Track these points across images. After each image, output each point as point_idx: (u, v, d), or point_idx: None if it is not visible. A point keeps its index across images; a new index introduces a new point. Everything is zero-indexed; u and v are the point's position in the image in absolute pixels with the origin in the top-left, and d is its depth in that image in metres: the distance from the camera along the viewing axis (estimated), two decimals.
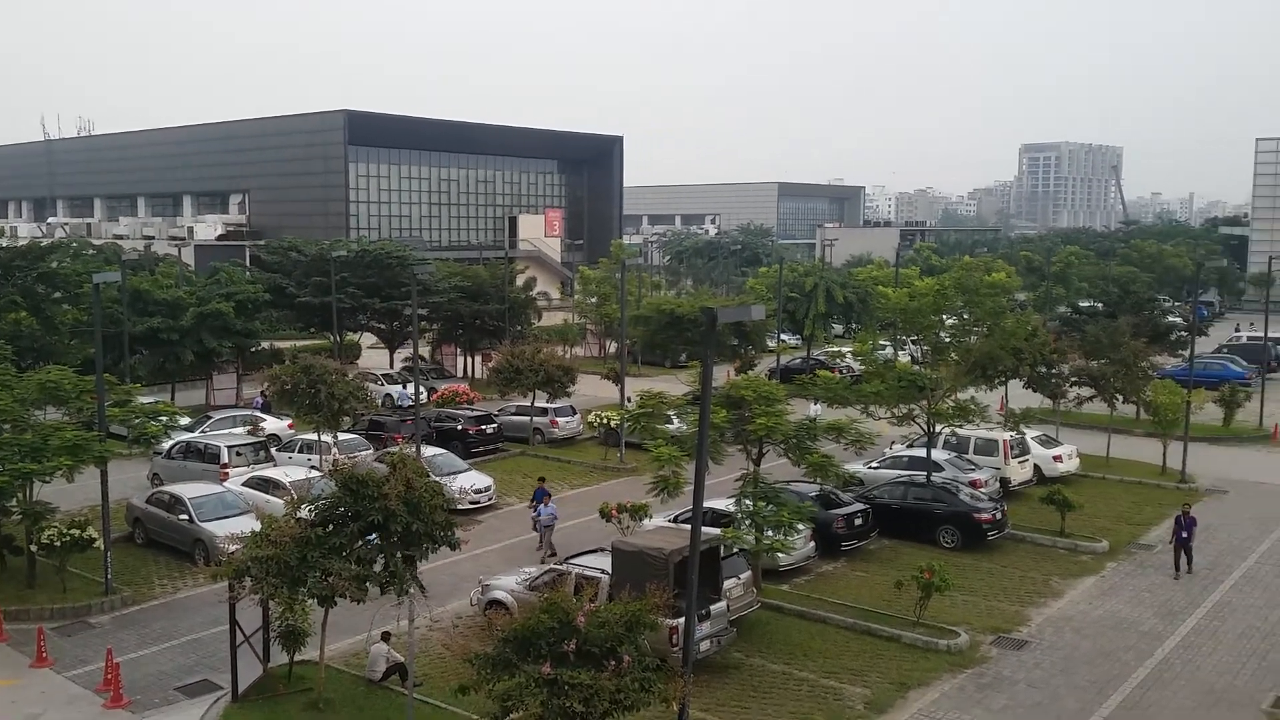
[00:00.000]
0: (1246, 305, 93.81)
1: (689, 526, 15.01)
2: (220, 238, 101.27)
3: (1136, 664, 20.03)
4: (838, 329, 62.05)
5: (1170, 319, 55.12)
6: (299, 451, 34.36)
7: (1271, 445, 40.34)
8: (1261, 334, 53.14)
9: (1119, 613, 22.73)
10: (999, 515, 27.54)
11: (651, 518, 25.90)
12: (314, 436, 33.72)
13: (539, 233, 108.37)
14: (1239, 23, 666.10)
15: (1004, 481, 31.86)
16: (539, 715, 13.06)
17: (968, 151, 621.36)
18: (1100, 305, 57.21)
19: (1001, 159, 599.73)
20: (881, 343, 39.46)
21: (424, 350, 56.42)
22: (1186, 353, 39.53)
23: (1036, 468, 33.45)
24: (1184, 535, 24.90)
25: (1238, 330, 67.90)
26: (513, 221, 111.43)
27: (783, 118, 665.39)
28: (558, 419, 40.70)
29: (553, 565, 21.22)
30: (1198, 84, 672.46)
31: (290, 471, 29.44)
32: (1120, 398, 37.64)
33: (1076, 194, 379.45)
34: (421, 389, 37.31)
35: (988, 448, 32.75)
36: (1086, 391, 38.14)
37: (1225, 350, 57.44)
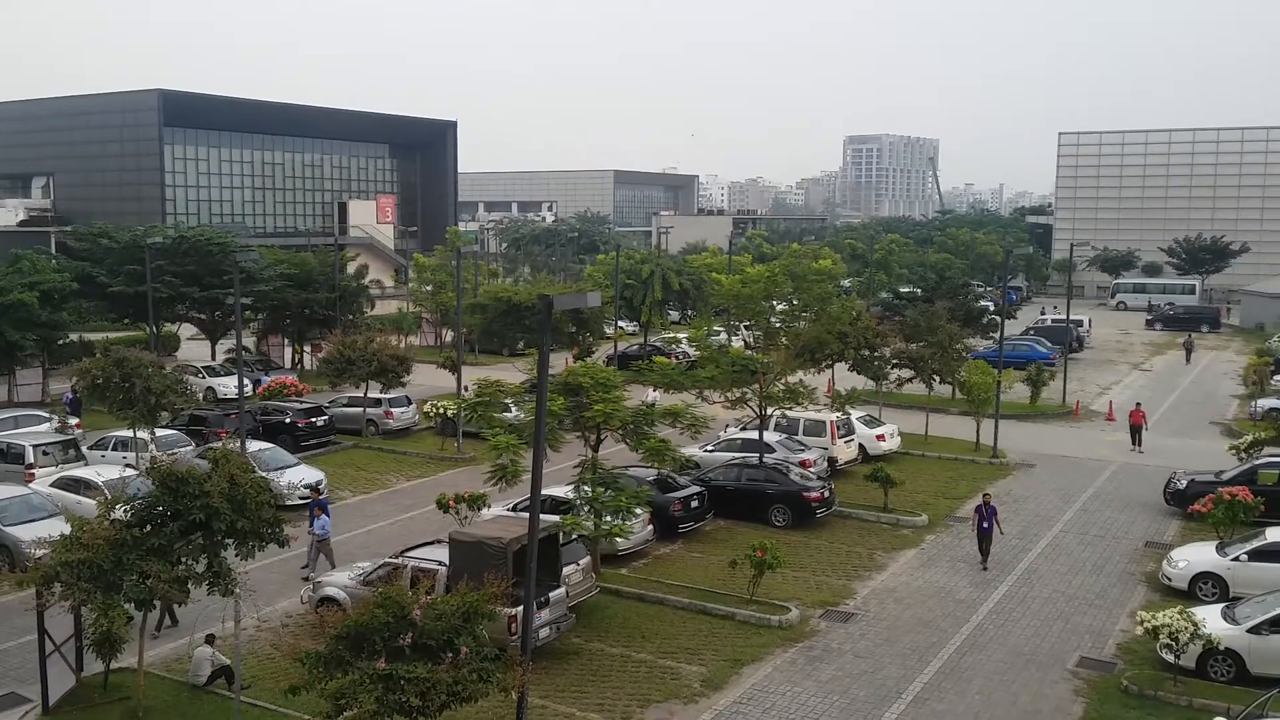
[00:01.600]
0: (1051, 290, 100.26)
1: (528, 514, 14.96)
2: (22, 223, 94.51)
3: (954, 631, 21.18)
4: (674, 315, 63.01)
5: (982, 303, 58.36)
6: (113, 449, 32.53)
7: (1074, 420, 43.23)
8: (1064, 316, 56.88)
9: (937, 582, 23.96)
10: (827, 494, 28.58)
11: (490, 507, 25.73)
12: (129, 433, 31.98)
13: (371, 219, 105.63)
14: (1046, 23, 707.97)
15: (831, 461, 33.07)
16: (374, 712, 12.82)
17: (796, 143, 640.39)
18: (919, 290, 59.97)
19: (828, 150, 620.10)
20: (716, 328, 40.36)
21: (249, 341, 54.23)
22: (997, 335, 41.85)
23: (861, 447, 34.85)
24: (985, 526, 24.82)
25: (1043, 313, 72.35)
26: (343, 207, 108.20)
27: (620, 107, 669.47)
28: (392, 410, 39.88)
29: (387, 559, 20.80)
30: (1008, 80, 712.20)
31: (103, 470, 27.83)
32: (937, 378, 39.63)
33: (897, 184, 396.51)
34: (246, 381, 35.89)
35: (816, 429, 33.91)
36: (906, 373, 39.98)
37: (1032, 332, 61.11)
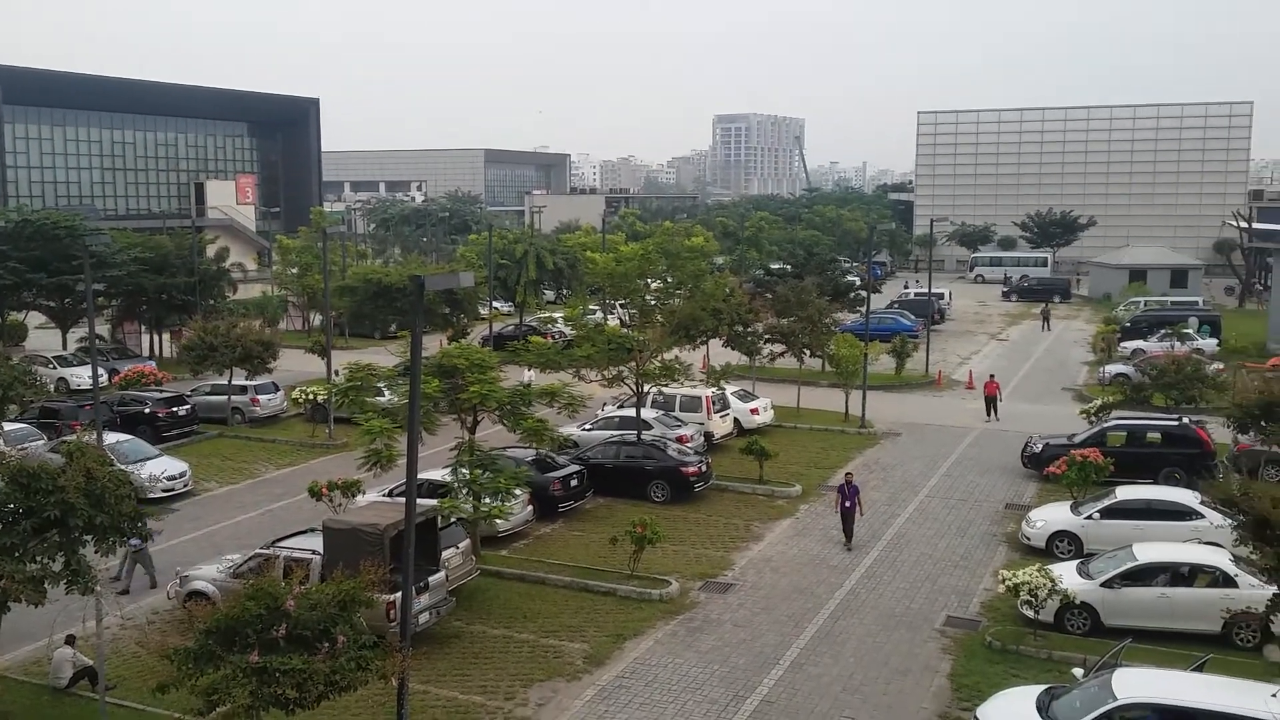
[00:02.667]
0: (914, 264, 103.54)
1: (404, 499, 14.72)
2: None
3: (828, 596, 21.79)
4: (549, 295, 62.72)
5: (849, 278, 59.91)
6: None
7: (937, 390, 44.85)
8: (926, 290, 58.88)
9: (811, 550, 24.58)
10: (704, 468, 28.99)
11: (364, 493, 25.23)
12: None
13: (230, 200, 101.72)
14: (905, 7, 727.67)
15: (708, 436, 33.53)
16: (248, 706, 12.46)
17: (667, 122, 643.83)
18: (789, 267, 61.19)
19: (697, 130, 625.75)
20: (591, 307, 40.33)
21: (103, 329, 51.72)
22: (863, 309, 43.05)
23: (736, 421, 35.44)
24: (847, 505, 24.61)
25: (906, 287, 74.77)
26: (199, 188, 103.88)
27: (491, 86, 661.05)
28: (259, 397, 38.66)
29: (258, 550, 20.20)
30: (870, 60, 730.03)
31: None
32: (808, 352, 40.55)
33: (765, 163, 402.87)
34: (101, 371, 34.25)
35: (692, 404, 34.31)
36: (778, 347, 40.79)
37: (896, 306, 63.06)
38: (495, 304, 57.57)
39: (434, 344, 39.94)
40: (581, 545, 24.82)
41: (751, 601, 21.55)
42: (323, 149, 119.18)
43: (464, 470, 22.66)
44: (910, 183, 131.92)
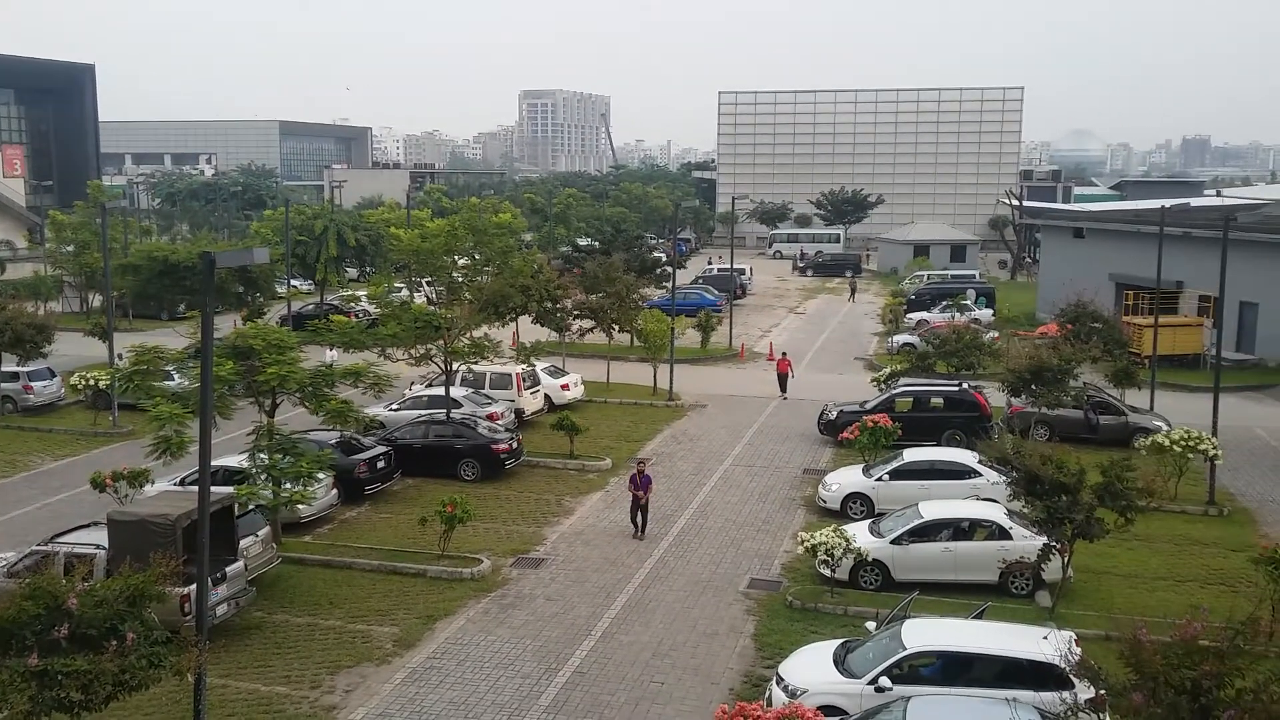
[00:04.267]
0: (717, 241, 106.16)
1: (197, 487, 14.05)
2: None
3: (638, 566, 22.21)
4: (352, 273, 60.86)
5: (655, 254, 60.91)
6: None
7: (739, 362, 46.26)
8: (729, 266, 60.54)
9: (622, 522, 24.93)
10: (515, 445, 28.94)
11: (154, 483, 23.89)
12: None
13: None
14: None
15: (519, 412, 33.47)
16: (28, 712, 11.65)
17: (472, 96, 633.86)
18: (596, 243, 61.62)
19: (504, 106, 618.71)
20: (396, 285, 39.41)
21: None
22: (669, 284, 43.84)
23: (547, 397, 35.51)
24: (639, 495, 23.80)
25: (710, 263, 76.54)
26: None
27: (289, 57, 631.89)
28: (32, 383, 35.93)
29: (36, 547, 18.83)
30: (673, 38, 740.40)
31: None
32: (616, 327, 41.00)
33: (572, 139, 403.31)
34: None
35: (502, 381, 34.15)
36: (587, 323, 41.06)
37: (700, 281, 64.56)
38: (294, 282, 55.39)
39: (229, 325, 38.12)
40: (390, 527, 24.36)
41: (563, 575, 21.73)
42: (100, 119, 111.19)
43: (263, 455, 21.79)
44: (713, 161, 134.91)
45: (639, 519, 24.00)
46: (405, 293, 37.79)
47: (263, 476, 21.56)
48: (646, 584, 21.30)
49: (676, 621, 19.52)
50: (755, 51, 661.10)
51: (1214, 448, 25.87)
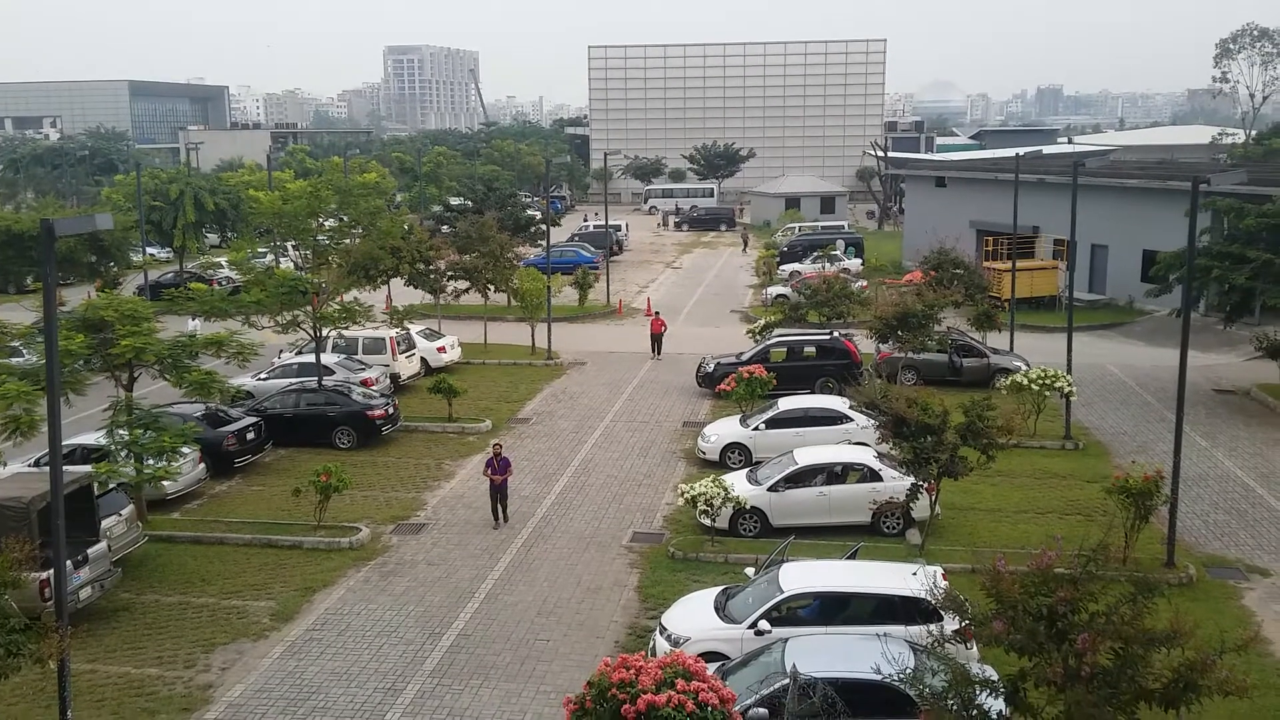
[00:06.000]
0: (592, 198, 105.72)
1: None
2: None
3: (521, 525, 22.17)
4: (212, 239, 58.57)
5: (530, 212, 60.31)
6: None
7: (618, 318, 46.34)
8: (604, 222, 60.40)
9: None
10: (391, 410, 28.44)
11: (5, 465, 22.66)
12: None
13: None
14: None
15: (394, 377, 32.88)
16: None
17: (335, 53, 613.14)
18: (469, 202, 60.60)
19: (369, 62, 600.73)
20: (260, 250, 38.09)
21: None
22: (545, 242, 43.51)
23: (423, 360, 34.97)
24: (497, 479, 22.08)
25: (586, 220, 76.29)
26: None
27: (139, 14, 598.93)
28: None
29: None
30: None
31: None
32: (492, 287, 40.53)
33: (441, 96, 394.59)
34: None
35: (376, 346, 33.45)
36: (462, 284, 40.49)
37: (576, 238, 64.31)
38: (150, 250, 53.05)
39: (82, 296, 36.28)
40: (263, 500, 23.72)
41: (445, 539, 21.54)
42: None
43: (122, 431, 20.89)
44: (586, 117, 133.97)
45: (499, 506, 22.21)
46: (270, 258, 36.59)
47: (123, 453, 20.68)
48: (530, 543, 21.30)
49: (561, 579, 19.59)
50: (626, 3, 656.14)
51: (1069, 385, 27.12)
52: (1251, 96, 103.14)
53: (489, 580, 19.53)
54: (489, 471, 22.24)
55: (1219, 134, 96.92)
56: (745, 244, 69.54)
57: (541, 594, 18.95)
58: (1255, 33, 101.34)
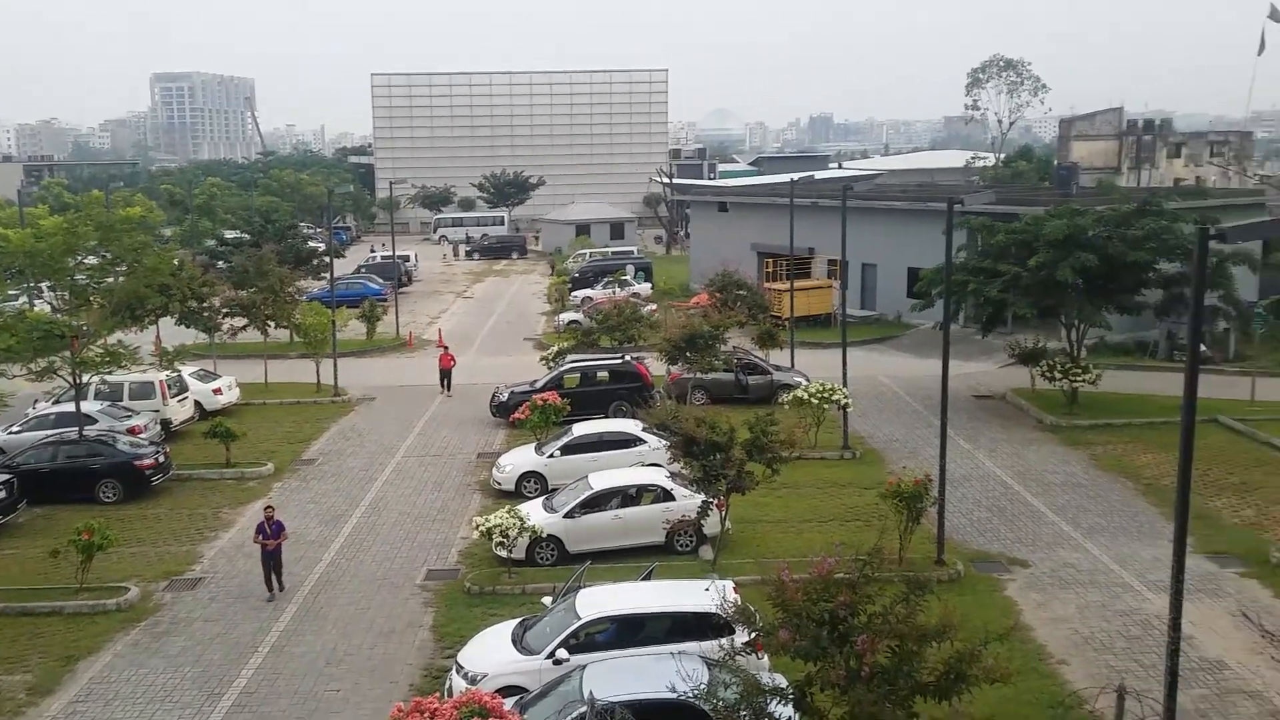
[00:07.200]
0: (379, 228, 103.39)
1: None
2: None
3: (307, 572, 21.21)
4: None
5: (311, 244, 58.33)
6: None
7: (409, 351, 45.34)
8: (392, 253, 59.14)
9: (290, 527, 23.59)
10: (162, 459, 26.72)
11: None
12: None
13: None
14: None
15: (165, 423, 30.96)
16: None
17: (96, 79, 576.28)
18: (246, 235, 58.02)
19: (134, 90, 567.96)
20: (11, 292, 35.10)
21: None
22: (329, 275, 42.11)
23: (197, 403, 33.08)
24: (269, 548, 20.06)
25: (373, 251, 74.43)
26: None
27: None
28: None
29: None
30: (321, 13, 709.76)
31: None
32: (273, 324, 38.87)
33: (214, 126, 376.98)
34: None
35: (144, 391, 31.41)
36: (240, 321, 38.65)
37: (363, 270, 62.63)
38: None
39: None
40: (16, 564, 21.75)
41: (224, 593, 20.34)
42: None
43: None
44: (370, 146, 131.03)
45: (272, 575, 20.14)
46: (23, 300, 33.83)
47: None
48: (318, 589, 20.40)
49: (352, 624, 18.85)
50: (410, 30, 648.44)
51: (845, 397, 28.46)
52: (1000, 122, 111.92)
53: (273, 632, 18.57)
54: (259, 538, 20.15)
55: (972, 158, 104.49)
56: (553, 268, 69.35)
57: (331, 642, 18.17)
58: (1001, 64, 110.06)
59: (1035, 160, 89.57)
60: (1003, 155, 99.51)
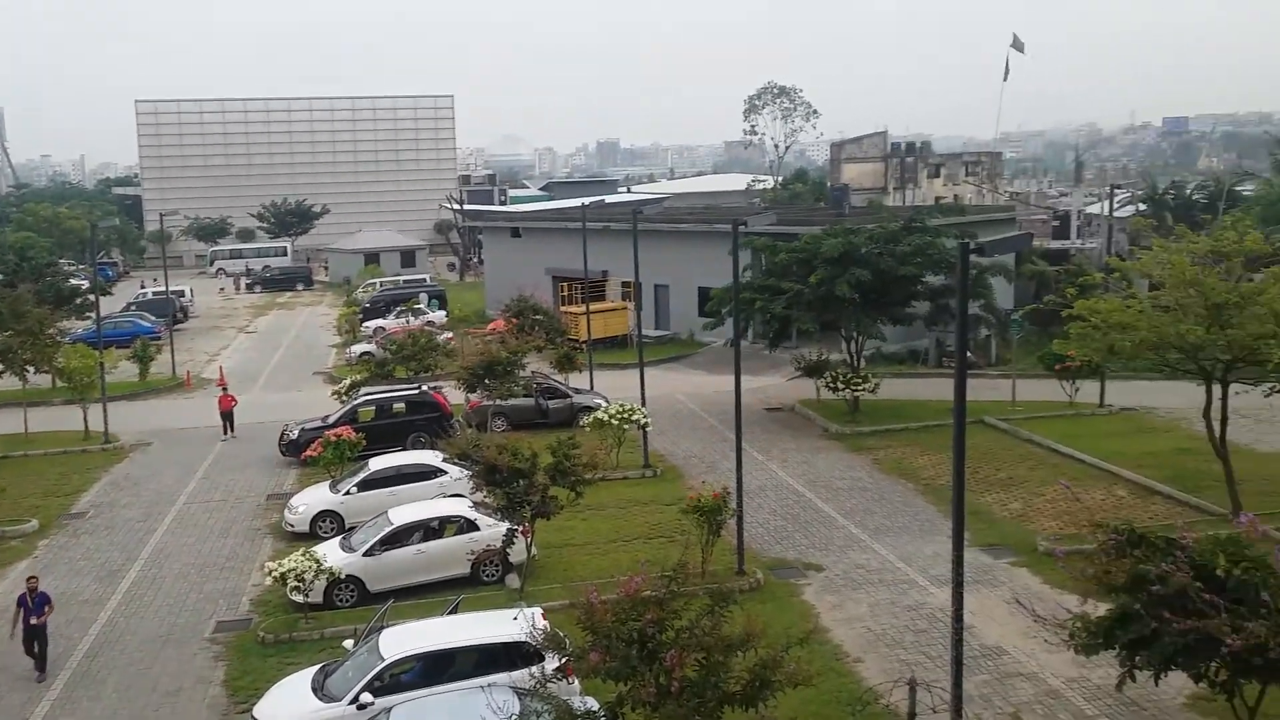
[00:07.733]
0: (149, 262, 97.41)
1: None
2: None
3: (81, 635, 19.59)
4: None
5: (74, 282, 54.36)
6: None
7: (187, 392, 42.84)
8: (165, 288, 55.82)
9: (57, 588, 21.67)
10: None
11: None
12: None
13: None
14: None
15: None
16: None
17: None
18: (1, 275, 53.45)
19: None
20: None
21: None
22: (94, 314, 39.34)
23: None
24: (31, 622, 17.95)
25: (143, 287, 70.09)
26: None
27: None
28: None
29: None
30: (81, 46, 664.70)
31: None
32: (32, 369, 35.94)
33: None
34: None
35: None
36: None
37: (134, 307, 58.90)
38: None
39: None
40: None
41: None
42: None
43: None
44: (137, 176, 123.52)
45: (37, 651, 18.00)
46: None
47: None
48: (94, 652, 18.88)
49: (133, 687, 17.53)
50: (174, 55, 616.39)
51: (645, 417, 28.89)
52: (776, 147, 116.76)
53: (44, 703, 17.03)
54: (21, 611, 17.99)
55: (753, 180, 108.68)
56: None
57: (110, 708, 16.83)
58: (775, 91, 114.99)
59: (810, 182, 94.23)
60: (780, 178, 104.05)
